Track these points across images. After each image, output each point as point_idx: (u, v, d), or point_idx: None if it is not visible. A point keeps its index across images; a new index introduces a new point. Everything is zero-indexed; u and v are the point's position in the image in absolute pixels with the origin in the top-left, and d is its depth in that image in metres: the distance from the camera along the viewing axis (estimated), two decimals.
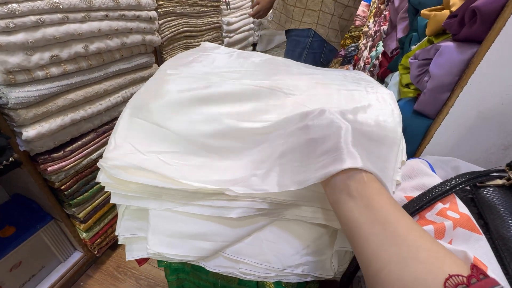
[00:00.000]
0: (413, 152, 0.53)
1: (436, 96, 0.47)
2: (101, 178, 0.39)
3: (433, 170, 0.43)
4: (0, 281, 0.80)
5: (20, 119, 0.63)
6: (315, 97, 0.46)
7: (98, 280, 1.04)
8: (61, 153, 0.76)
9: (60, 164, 0.76)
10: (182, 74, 0.48)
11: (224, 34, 1.46)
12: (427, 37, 0.56)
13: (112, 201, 0.40)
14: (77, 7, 0.66)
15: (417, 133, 0.51)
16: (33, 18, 0.59)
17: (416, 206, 0.36)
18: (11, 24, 0.56)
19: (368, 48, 1.55)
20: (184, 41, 1.22)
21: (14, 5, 0.55)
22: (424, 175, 0.41)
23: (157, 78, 0.51)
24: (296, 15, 0.95)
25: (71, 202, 0.84)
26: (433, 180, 0.39)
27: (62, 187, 0.80)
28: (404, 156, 0.42)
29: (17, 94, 0.61)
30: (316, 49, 0.98)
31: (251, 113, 0.41)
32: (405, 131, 0.44)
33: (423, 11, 0.57)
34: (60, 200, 0.86)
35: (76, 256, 1.03)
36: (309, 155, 0.32)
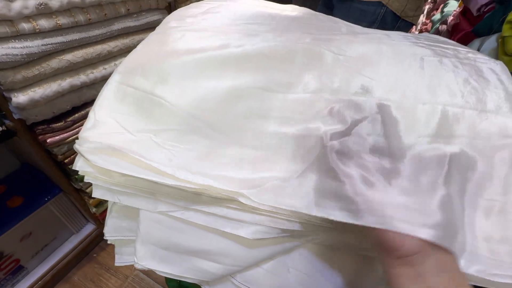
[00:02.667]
0: None
1: None
2: (78, 165, 0.31)
3: None
4: (12, 250, 0.79)
5: (7, 81, 0.53)
6: (380, 64, 0.30)
7: (111, 253, 1.02)
8: (61, 123, 0.68)
9: (62, 136, 0.68)
10: (190, 28, 0.36)
11: None
12: None
13: (94, 195, 0.33)
14: None
15: None
16: None
17: None
18: None
19: (425, 11, 1.26)
20: None
21: None
22: None
23: (158, 34, 0.41)
24: None
25: (77, 176, 0.78)
26: None
27: (66, 161, 0.73)
28: None
29: None
30: (388, 24, 0.74)
31: (284, 81, 0.30)
32: None
33: None
34: (67, 174, 0.80)
35: (89, 228, 1.01)
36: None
